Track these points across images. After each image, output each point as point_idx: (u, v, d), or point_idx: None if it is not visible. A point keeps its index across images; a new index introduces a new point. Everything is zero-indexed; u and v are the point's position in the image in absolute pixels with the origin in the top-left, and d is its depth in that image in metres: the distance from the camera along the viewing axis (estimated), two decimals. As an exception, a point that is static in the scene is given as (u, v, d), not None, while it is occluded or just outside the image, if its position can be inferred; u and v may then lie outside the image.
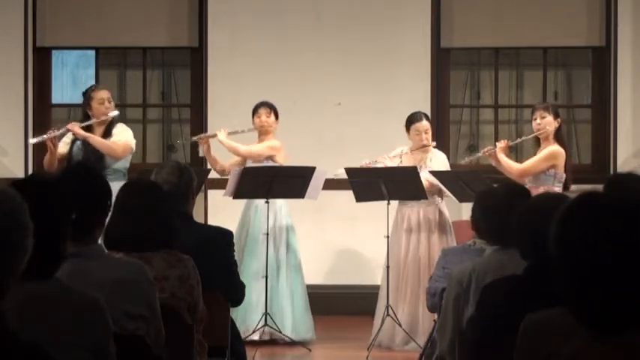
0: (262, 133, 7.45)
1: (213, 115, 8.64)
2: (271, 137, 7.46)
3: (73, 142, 7.23)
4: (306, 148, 7.83)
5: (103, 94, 7.30)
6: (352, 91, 8.60)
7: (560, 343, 1.97)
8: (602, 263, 1.83)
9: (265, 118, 7.44)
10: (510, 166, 7.10)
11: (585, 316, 1.85)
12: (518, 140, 7.57)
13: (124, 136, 7.25)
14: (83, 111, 7.39)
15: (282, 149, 7.42)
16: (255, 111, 7.49)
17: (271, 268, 7.23)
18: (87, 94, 7.33)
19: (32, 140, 7.55)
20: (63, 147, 7.25)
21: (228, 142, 7.42)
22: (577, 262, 1.86)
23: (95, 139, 7.16)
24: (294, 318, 7.27)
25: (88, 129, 7.21)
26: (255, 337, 7.09)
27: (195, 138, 7.64)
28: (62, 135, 7.23)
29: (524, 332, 2.34)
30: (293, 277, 7.34)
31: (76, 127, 7.19)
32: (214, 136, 7.47)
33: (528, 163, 7.05)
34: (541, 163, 7.00)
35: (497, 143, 7.25)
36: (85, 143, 7.16)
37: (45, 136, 7.18)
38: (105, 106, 7.25)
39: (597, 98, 8.89)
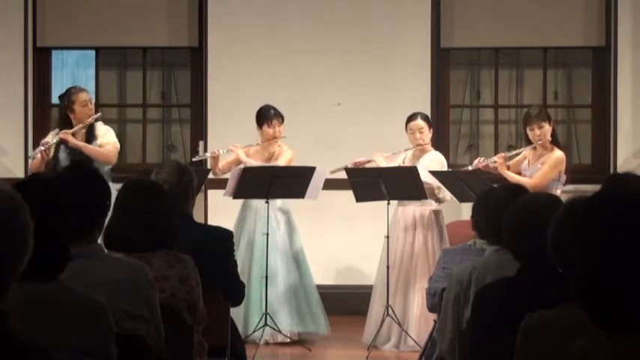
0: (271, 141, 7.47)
1: (213, 115, 8.64)
2: (279, 145, 7.47)
3: (58, 145, 7.09)
4: (305, 149, 7.82)
5: (85, 95, 7.20)
6: (352, 91, 8.60)
7: (561, 343, 1.96)
8: (622, 262, 1.82)
9: (278, 128, 7.45)
10: (520, 181, 6.97)
11: (601, 315, 1.84)
12: (514, 152, 7.35)
13: (110, 138, 7.15)
14: (63, 114, 7.21)
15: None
16: (268, 120, 7.42)
17: (278, 267, 7.24)
18: (67, 97, 7.17)
19: (32, 153, 7.47)
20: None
21: (257, 164, 7.38)
22: (596, 262, 1.85)
23: (90, 148, 7.03)
24: (311, 313, 7.29)
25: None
26: (256, 337, 7.09)
27: (208, 154, 7.58)
28: (56, 144, 7.09)
29: (525, 332, 2.34)
30: (304, 274, 7.36)
31: (69, 137, 7.03)
32: (230, 152, 7.45)
33: (539, 177, 6.90)
34: (551, 172, 6.93)
35: (494, 158, 7.15)
36: (72, 148, 7.04)
37: (41, 147, 7.07)
38: (88, 107, 7.14)
39: (597, 98, 8.89)
